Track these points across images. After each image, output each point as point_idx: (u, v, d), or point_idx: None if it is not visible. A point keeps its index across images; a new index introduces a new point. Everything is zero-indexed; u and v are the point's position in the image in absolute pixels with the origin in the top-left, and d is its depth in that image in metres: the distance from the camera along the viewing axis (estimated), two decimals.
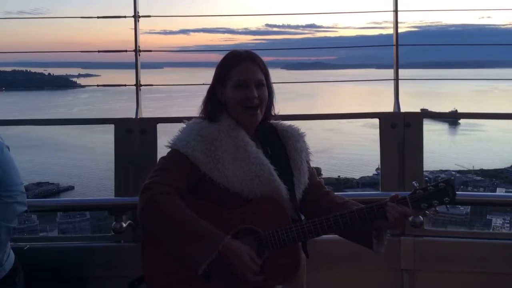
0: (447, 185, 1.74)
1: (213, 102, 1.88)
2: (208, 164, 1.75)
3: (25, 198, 2.07)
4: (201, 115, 1.89)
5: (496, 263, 2.64)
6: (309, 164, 1.97)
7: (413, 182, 1.79)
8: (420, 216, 2.54)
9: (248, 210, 1.74)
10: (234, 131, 1.82)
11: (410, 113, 2.83)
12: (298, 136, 1.95)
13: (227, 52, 1.92)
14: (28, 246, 2.59)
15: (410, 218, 2.52)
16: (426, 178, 1.71)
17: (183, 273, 1.70)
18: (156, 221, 1.67)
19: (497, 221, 16.05)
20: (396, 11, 2.95)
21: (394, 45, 2.97)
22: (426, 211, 1.76)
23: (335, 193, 1.99)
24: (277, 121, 1.98)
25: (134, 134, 2.80)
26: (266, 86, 1.86)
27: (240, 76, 1.82)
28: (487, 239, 2.81)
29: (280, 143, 1.93)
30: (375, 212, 1.74)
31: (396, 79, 2.95)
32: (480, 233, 4.70)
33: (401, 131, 2.78)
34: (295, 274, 1.78)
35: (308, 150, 1.98)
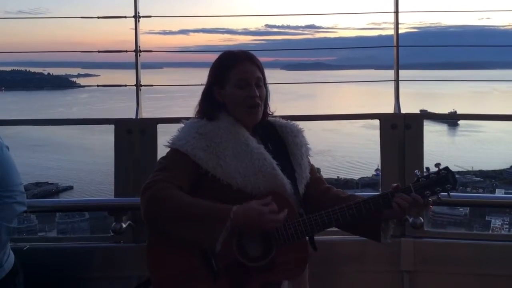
0: (448, 172, 1.77)
1: (210, 103, 1.87)
2: (210, 161, 1.75)
3: (25, 198, 2.06)
4: (197, 116, 1.89)
5: (496, 265, 2.64)
6: (309, 159, 1.97)
7: (415, 171, 1.81)
8: (420, 218, 2.54)
9: None
10: (234, 127, 1.81)
11: (410, 114, 2.83)
12: (297, 132, 1.96)
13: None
14: (28, 246, 2.59)
15: (410, 220, 2.52)
16: (427, 167, 1.77)
17: (191, 275, 1.70)
18: (162, 216, 1.65)
19: (496, 222, 16.08)
20: (396, 12, 2.95)
21: (394, 46, 2.97)
22: (430, 199, 1.77)
23: None
24: (275, 118, 1.98)
25: (134, 135, 2.80)
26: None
27: (241, 76, 1.82)
28: (487, 240, 2.81)
29: (279, 139, 1.93)
30: (380, 202, 1.75)
31: (397, 80, 2.95)
32: (480, 234, 4.70)
33: (401, 132, 2.78)
34: (304, 269, 1.78)
35: (308, 145, 1.98)
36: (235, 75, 1.82)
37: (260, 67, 1.86)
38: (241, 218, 1.61)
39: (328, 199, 1.89)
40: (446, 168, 1.78)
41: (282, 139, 1.93)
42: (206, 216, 1.61)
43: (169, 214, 1.63)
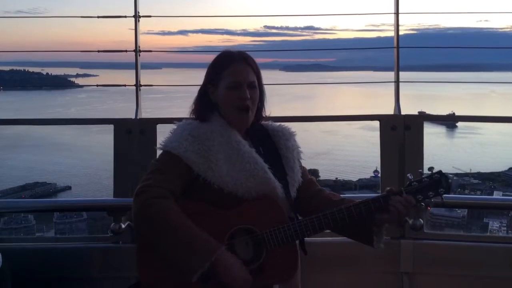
0: (441, 176, 1.76)
1: (204, 102, 1.88)
2: (202, 164, 1.75)
3: None
4: (192, 115, 1.89)
5: (494, 267, 2.65)
6: (300, 162, 1.97)
7: (408, 175, 1.80)
8: (420, 219, 2.54)
9: (244, 209, 1.74)
10: (226, 131, 1.81)
11: (410, 115, 2.83)
12: (289, 135, 1.96)
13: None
14: None
15: (410, 221, 2.51)
16: (420, 171, 1.77)
17: (180, 279, 1.68)
18: (151, 226, 1.65)
19: (493, 224, 16.09)
20: (397, 13, 2.95)
21: (394, 47, 2.97)
22: (422, 203, 1.76)
23: None
24: (267, 122, 1.98)
25: (133, 135, 2.79)
26: (258, 87, 1.86)
27: (233, 77, 1.82)
28: (486, 242, 2.81)
29: (271, 143, 1.93)
30: (371, 206, 1.74)
31: (397, 82, 2.96)
32: (479, 236, 4.71)
33: (401, 134, 2.78)
34: (294, 272, 1.78)
35: (299, 148, 1.98)
36: (227, 75, 1.82)
37: (255, 69, 1.85)
38: (220, 266, 1.60)
39: (319, 202, 1.88)
40: (439, 172, 1.76)
41: (274, 143, 1.93)
42: (189, 246, 1.61)
43: (157, 228, 1.64)
